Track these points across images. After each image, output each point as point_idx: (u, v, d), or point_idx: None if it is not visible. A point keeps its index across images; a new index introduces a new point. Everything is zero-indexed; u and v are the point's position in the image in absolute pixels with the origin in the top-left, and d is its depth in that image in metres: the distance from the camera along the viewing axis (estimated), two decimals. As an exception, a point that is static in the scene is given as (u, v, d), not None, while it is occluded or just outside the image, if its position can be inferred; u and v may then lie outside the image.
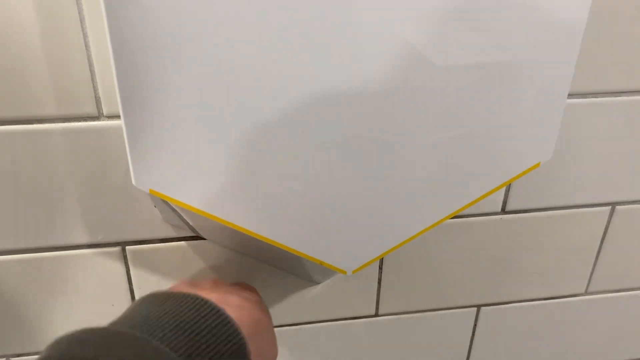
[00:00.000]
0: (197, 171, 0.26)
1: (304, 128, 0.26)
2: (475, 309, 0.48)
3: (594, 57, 0.37)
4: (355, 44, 0.24)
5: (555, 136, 0.30)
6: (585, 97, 0.39)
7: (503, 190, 0.41)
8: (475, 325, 0.49)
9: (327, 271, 0.40)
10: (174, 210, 0.32)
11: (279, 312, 0.44)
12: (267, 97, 0.25)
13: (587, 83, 0.38)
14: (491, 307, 0.48)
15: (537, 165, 0.30)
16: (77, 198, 0.36)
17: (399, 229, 0.30)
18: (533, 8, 0.26)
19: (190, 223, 0.35)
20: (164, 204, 0.31)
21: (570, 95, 0.38)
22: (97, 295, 0.40)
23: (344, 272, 0.31)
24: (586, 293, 0.49)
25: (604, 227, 0.46)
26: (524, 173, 0.30)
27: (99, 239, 0.38)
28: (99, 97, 0.33)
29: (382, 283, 0.45)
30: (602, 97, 0.39)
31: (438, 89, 0.27)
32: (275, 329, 0.45)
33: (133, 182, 0.25)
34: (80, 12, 0.30)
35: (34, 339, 0.41)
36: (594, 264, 0.48)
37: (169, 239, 0.39)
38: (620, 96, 0.39)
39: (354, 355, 0.48)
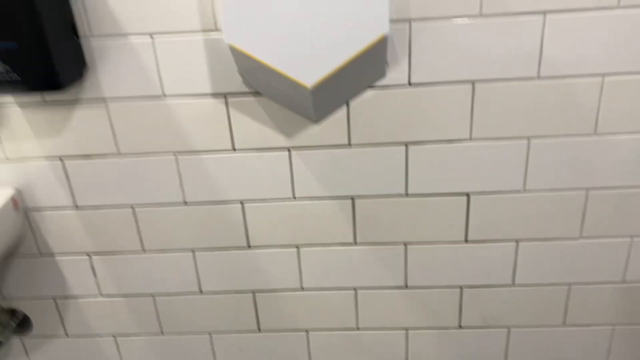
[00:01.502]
0: (252, 22, 0.71)
1: None
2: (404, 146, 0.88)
3: None
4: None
5: (387, 11, 0.70)
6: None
7: (406, 64, 0.82)
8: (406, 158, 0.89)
9: (317, 106, 0.83)
10: (239, 63, 0.79)
11: (294, 137, 0.88)
12: None
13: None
14: (416, 146, 0.88)
15: (383, 36, 0.71)
16: (207, 65, 0.84)
17: (335, 51, 0.72)
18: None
19: (243, 72, 0.81)
20: (237, 61, 0.77)
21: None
22: (206, 130, 0.87)
23: (307, 86, 0.74)
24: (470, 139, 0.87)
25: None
26: (375, 42, 0.71)
27: (213, 91, 0.85)
28: (218, 18, 0.80)
29: (350, 125, 0.87)
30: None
31: None
32: (289, 150, 0.89)
33: (225, 39, 0.71)
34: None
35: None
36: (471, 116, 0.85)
37: (246, 93, 0.85)
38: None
39: (335, 166, 0.90)
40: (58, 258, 0.99)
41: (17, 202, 0.92)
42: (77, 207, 0.94)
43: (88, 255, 0.99)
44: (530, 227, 0.93)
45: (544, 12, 0.78)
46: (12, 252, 0.99)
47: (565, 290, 0.98)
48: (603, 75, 0.81)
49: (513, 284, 0.98)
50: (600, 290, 0.97)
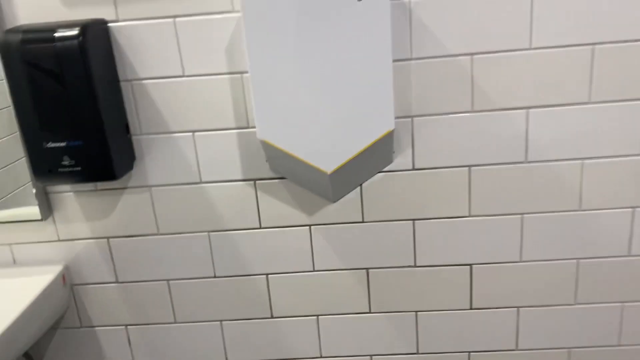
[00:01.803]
0: (280, 121, 0.85)
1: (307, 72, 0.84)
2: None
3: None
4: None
5: (392, 111, 0.84)
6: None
7: (410, 152, 0.95)
8: (414, 232, 1.00)
9: (335, 188, 0.95)
10: (268, 153, 0.92)
11: (314, 216, 1.00)
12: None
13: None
14: (422, 221, 0.99)
15: (390, 131, 0.84)
16: (239, 155, 0.97)
17: (350, 143, 0.85)
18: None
19: (270, 161, 0.94)
20: (266, 151, 0.90)
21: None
22: (236, 210, 1.00)
23: (326, 172, 0.86)
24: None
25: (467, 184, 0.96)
26: (383, 135, 0.84)
27: (243, 177, 0.98)
28: (250, 118, 0.94)
29: (364, 204, 0.99)
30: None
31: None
32: (309, 227, 1.00)
33: (257, 135, 0.85)
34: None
35: (217, 224, 1.01)
36: (470, 199, 0.97)
37: (272, 178, 0.98)
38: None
39: (351, 241, 1.01)
40: (97, 329, 1.08)
41: (65, 278, 1.03)
42: (118, 282, 1.05)
43: (125, 326, 1.08)
44: (528, 294, 1.02)
45: (527, 108, 0.91)
46: (56, 323, 1.08)
47: (565, 354, 1.05)
48: (582, 159, 0.94)
49: (516, 348, 1.05)
50: (598, 352, 1.05)
